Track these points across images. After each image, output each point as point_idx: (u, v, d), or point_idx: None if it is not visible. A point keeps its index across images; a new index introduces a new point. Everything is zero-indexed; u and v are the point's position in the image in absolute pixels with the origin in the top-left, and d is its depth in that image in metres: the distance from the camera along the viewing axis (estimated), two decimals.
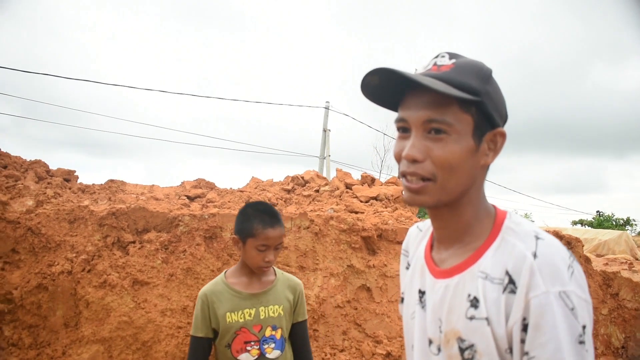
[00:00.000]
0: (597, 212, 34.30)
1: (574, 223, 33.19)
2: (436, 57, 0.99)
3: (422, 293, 1.08)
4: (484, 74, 0.95)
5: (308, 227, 4.38)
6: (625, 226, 31.76)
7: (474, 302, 0.94)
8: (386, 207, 5.32)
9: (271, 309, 1.96)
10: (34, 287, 3.65)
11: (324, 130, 17.22)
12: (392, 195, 5.68)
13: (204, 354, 1.95)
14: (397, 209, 5.29)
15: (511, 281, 0.89)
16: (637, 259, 10.71)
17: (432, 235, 1.12)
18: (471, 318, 0.93)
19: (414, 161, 0.94)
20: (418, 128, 0.95)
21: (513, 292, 0.88)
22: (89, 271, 3.68)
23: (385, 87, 0.98)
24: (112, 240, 3.86)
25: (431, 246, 1.12)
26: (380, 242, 4.66)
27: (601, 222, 31.61)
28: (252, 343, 1.92)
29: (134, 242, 3.91)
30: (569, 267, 0.88)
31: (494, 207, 1.05)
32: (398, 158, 1.00)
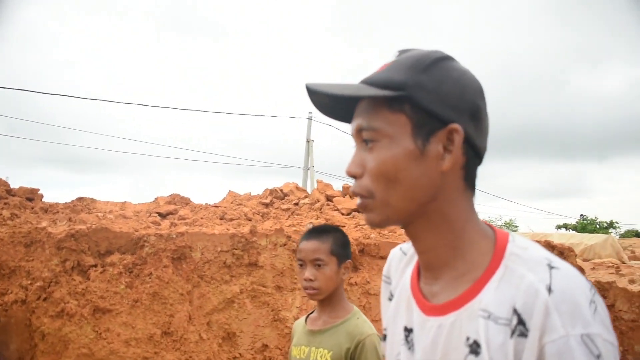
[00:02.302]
0: (581, 215, 34.51)
1: (559, 227, 33.40)
2: None
3: (408, 331, 0.90)
4: (420, 64, 0.80)
5: (285, 244, 4.12)
6: (608, 229, 32.00)
7: (474, 348, 0.76)
8: None
9: (320, 352, 1.71)
10: None
11: (308, 141, 17.07)
12: None
13: None
14: None
15: (520, 322, 0.72)
16: (623, 262, 10.66)
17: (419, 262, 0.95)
18: None
19: (354, 177, 0.85)
20: (356, 139, 0.86)
21: (523, 335, 0.72)
22: (44, 299, 3.38)
23: (339, 102, 0.87)
24: (72, 265, 3.56)
25: (418, 275, 0.93)
26: (362, 258, 4.42)
27: (585, 225, 31.80)
28: None
29: (95, 266, 3.62)
30: (591, 302, 0.71)
31: (491, 227, 0.87)
32: None
